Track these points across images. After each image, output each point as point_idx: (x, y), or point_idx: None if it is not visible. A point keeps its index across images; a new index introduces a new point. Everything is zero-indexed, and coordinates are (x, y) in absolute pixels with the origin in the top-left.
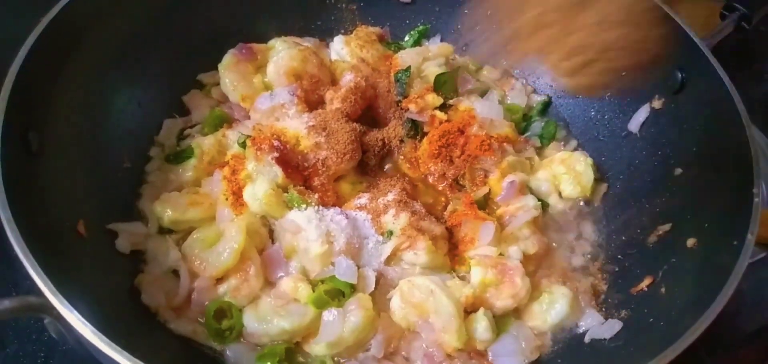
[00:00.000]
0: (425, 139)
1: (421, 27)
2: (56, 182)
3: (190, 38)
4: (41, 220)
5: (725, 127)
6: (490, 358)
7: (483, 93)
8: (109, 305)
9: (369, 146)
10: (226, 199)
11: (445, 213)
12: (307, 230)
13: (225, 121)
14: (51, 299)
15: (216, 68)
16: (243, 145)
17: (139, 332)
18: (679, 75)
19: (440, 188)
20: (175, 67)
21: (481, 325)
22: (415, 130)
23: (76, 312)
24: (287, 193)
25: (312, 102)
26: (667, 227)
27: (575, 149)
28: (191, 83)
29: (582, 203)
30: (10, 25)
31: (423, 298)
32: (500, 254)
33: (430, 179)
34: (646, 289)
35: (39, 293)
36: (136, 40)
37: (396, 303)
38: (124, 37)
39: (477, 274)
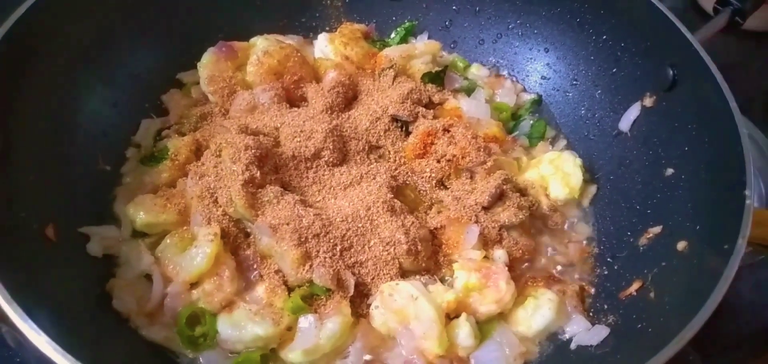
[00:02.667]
0: (410, 138)
1: (407, 24)
2: (23, 184)
3: (170, 35)
4: (5, 222)
5: (718, 127)
6: None
7: (470, 91)
8: (77, 311)
9: (351, 136)
10: (201, 200)
11: (428, 214)
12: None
13: (204, 120)
14: (4, 307)
15: (196, 67)
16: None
17: (109, 339)
18: (671, 72)
19: (425, 188)
20: (154, 66)
21: (464, 331)
22: (401, 128)
23: (30, 321)
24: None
25: (294, 99)
26: (657, 229)
27: (565, 149)
28: (171, 82)
29: (570, 204)
30: None
31: (404, 304)
32: (485, 258)
33: (415, 179)
34: (635, 293)
35: None
36: (111, 37)
37: (376, 309)
38: (99, 33)
39: (461, 278)
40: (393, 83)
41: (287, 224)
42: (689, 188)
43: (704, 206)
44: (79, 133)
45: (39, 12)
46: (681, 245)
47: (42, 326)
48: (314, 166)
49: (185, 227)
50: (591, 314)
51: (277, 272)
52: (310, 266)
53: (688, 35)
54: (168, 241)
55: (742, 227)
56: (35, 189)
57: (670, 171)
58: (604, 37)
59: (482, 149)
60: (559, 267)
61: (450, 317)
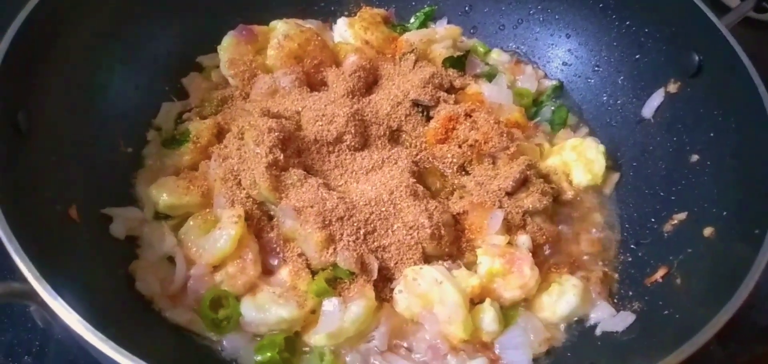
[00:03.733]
0: (431, 123)
1: (427, 8)
2: (47, 164)
3: (190, 19)
4: (29, 203)
5: (745, 113)
6: (496, 350)
7: (492, 77)
8: (101, 292)
9: (373, 121)
10: (224, 182)
11: (450, 199)
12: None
13: (224, 103)
14: (35, 285)
15: (216, 50)
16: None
17: (132, 321)
18: (696, 58)
19: (447, 174)
20: (174, 49)
21: (488, 316)
22: (422, 113)
23: (60, 300)
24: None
25: (314, 84)
26: (682, 215)
27: (587, 135)
28: (191, 66)
29: (593, 191)
30: None
31: (428, 288)
32: (509, 243)
33: (436, 164)
34: (660, 280)
35: (24, 278)
36: (133, 20)
37: (400, 293)
38: (120, 16)
39: (484, 263)
40: (414, 68)
41: (311, 207)
42: (715, 174)
43: (731, 193)
44: (100, 115)
45: None
46: (707, 231)
47: (72, 305)
48: (336, 150)
49: (208, 210)
50: (616, 300)
51: (300, 255)
52: (334, 249)
53: (716, 21)
54: (191, 223)
55: None
56: (58, 170)
57: (695, 157)
58: (628, 22)
59: (505, 135)
60: (582, 253)
61: (474, 302)
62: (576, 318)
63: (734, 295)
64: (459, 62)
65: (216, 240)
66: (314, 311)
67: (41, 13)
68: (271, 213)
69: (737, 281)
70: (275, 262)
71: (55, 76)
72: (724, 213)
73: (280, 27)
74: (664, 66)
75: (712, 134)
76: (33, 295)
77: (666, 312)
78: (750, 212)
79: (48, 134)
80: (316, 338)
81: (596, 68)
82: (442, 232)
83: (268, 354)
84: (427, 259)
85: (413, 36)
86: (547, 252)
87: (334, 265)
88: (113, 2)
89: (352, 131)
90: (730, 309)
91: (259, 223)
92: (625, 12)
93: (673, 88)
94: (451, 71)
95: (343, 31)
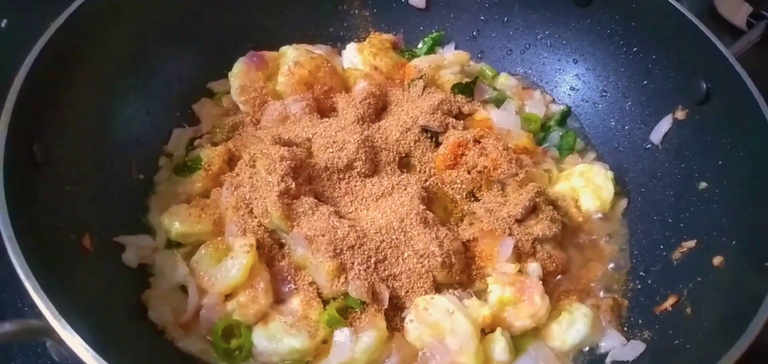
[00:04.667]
0: (440, 148)
1: (435, 34)
2: (61, 195)
3: (201, 45)
4: (45, 236)
5: (754, 141)
6: None
7: (500, 102)
8: (114, 323)
9: (382, 147)
10: (236, 211)
11: (460, 226)
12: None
13: (235, 130)
14: (52, 323)
15: (227, 76)
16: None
17: (146, 351)
18: (704, 85)
19: (457, 199)
20: (185, 75)
21: (499, 346)
22: (431, 139)
23: (78, 337)
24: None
25: (324, 109)
26: (691, 243)
27: (594, 161)
28: (202, 91)
29: (602, 217)
30: (16, 33)
31: (439, 318)
32: (519, 271)
33: (446, 189)
34: (670, 308)
35: (41, 315)
36: (145, 48)
37: (411, 322)
38: (132, 44)
39: (495, 292)
40: (423, 94)
41: (322, 236)
42: (724, 203)
43: (741, 221)
44: (114, 143)
45: (74, 25)
46: (717, 260)
47: (88, 341)
48: (346, 177)
49: (220, 238)
50: (626, 328)
51: (311, 283)
52: (345, 278)
53: (723, 49)
54: (203, 251)
55: None
56: (73, 199)
57: (703, 185)
58: (635, 49)
59: (514, 161)
60: (592, 280)
61: (485, 331)
62: (586, 347)
63: (746, 330)
64: (467, 88)
65: (228, 269)
66: (325, 341)
67: (56, 45)
68: (283, 241)
69: (749, 314)
70: (287, 290)
71: (71, 107)
72: (734, 242)
73: (290, 53)
74: (671, 93)
75: (720, 162)
76: (50, 332)
77: (677, 342)
78: (760, 242)
79: (62, 164)
80: None
81: (604, 93)
82: (453, 260)
83: None
84: (437, 287)
85: (422, 62)
86: (556, 279)
87: (346, 294)
88: (127, 32)
89: (363, 158)
90: (743, 345)
91: (270, 251)
92: (633, 39)
93: (681, 114)
94: (459, 97)
95: (353, 56)
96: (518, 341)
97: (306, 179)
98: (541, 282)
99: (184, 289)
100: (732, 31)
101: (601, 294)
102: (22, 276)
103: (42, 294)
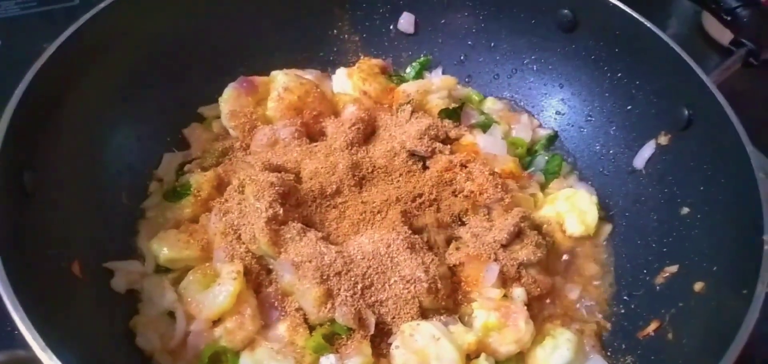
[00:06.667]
0: (427, 173)
1: (423, 58)
2: (52, 223)
3: (191, 71)
4: (34, 265)
5: (733, 169)
6: None
7: (486, 127)
8: (102, 350)
9: (370, 172)
10: (224, 237)
11: (446, 249)
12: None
13: (225, 155)
14: (39, 354)
15: (217, 101)
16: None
17: None
18: (686, 112)
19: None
20: (176, 100)
21: None
22: (418, 163)
23: None
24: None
25: (313, 133)
26: (673, 268)
27: (578, 183)
28: (192, 116)
29: (586, 242)
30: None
31: (425, 344)
32: (504, 296)
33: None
34: (652, 333)
35: (27, 345)
36: (136, 74)
37: (396, 349)
38: (123, 71)
39: (480, 317)
40: (410, 118)
41: (309, 262)
42: (705, 228)
43: (721, 248)
44: (103, 169)
45: (65, 54)
46: (698, 286)
47: None
48: (334, 202)
49: (208, 264)
50: (609, 353)
51: (298, 309)
52: (332, 304)
53: (704, 77)
54: (191, 277)
55: (761, 273)
56: (63, 226)
57: (685, 210)
58: (619, 74)
59: (500, 186)
60: (576, 305)
61: (470, 357)
62: None
63: (726, 355)
64: (454, 113)
65: (215, 296)
66: None
67: (47, 74)
68: (270, 267)
69: (729, 340)
70: (274, 316)
71: (61, 135)
72: (715, 268)
73: (280, 78)
74: (654, 118)
75: (702, 188)
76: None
77: None
78: (739, 269)
79: (52, 192)
80: None
81: (589, 118)
82: (439, 285)
83: None
84: (423, 313)
85: (410, 87)
86: (540, 304)
87: (332, 320)
88: (118, 59)
89: (351, 183)
90: None
91: (257, 277)
92: (617, 65)
93: (663, 140)
94: (446, 122)
95: (343, 81)
96: None
97: (294, 204)
98: (525, 307)
99: (172, 315)
100: (721, 50)
101: (585, 318)
102: (9, 307)
103: (29, 325)
